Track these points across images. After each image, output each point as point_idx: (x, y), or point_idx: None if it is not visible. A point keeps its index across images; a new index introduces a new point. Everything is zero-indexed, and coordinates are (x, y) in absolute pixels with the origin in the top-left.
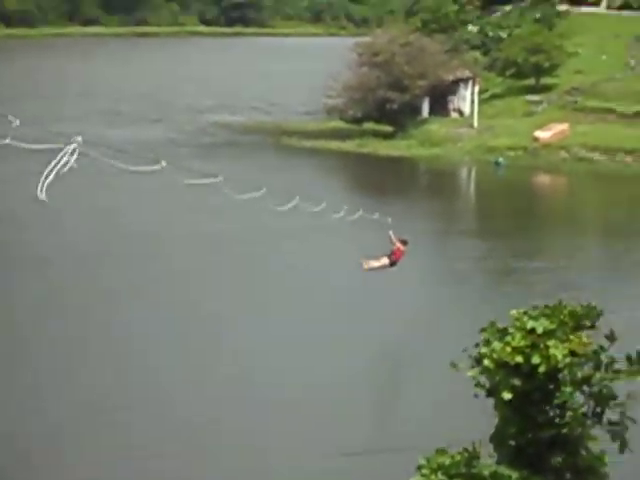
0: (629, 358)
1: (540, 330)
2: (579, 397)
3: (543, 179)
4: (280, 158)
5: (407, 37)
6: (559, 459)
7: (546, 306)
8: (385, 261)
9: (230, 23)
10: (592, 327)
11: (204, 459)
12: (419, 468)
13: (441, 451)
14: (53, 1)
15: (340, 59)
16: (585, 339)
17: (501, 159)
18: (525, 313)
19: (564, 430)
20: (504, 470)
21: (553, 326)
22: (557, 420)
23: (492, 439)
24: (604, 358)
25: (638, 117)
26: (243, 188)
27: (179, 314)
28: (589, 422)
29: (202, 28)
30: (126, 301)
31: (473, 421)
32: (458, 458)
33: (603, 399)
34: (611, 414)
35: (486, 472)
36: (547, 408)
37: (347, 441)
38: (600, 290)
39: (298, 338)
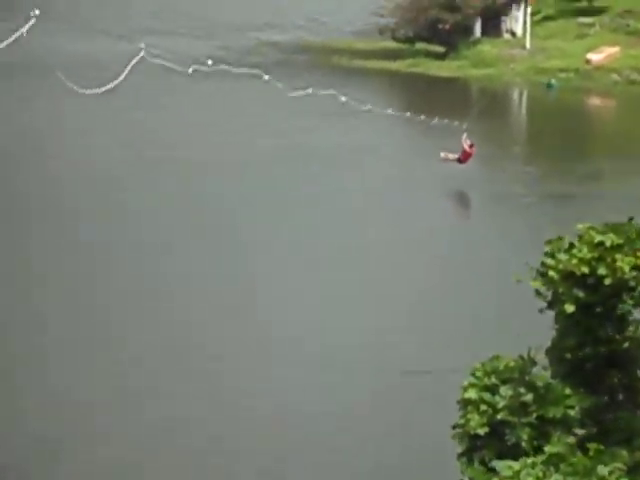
0: None
1: (608, 243)
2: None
3: (595, 101)
4: (331, 77)
5: None
6: (614, 378)
7: (613, 223)
8: (455, 156)
9: None
10: None
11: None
12: (474, 371)
13: (496, 357)
14: None
15: None
16: None
17: (553, 81)
18: (592, 228)
19: (622, 346)
20: (558, 384)
21: (620, 241)
22: (617, 336)
23: (548, 352)
24: None
25: None
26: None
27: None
28: None
29: None
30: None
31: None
32: (512, 364)
33: None
34: None
35: (540, 383)
36: (608, 323)
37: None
38: None
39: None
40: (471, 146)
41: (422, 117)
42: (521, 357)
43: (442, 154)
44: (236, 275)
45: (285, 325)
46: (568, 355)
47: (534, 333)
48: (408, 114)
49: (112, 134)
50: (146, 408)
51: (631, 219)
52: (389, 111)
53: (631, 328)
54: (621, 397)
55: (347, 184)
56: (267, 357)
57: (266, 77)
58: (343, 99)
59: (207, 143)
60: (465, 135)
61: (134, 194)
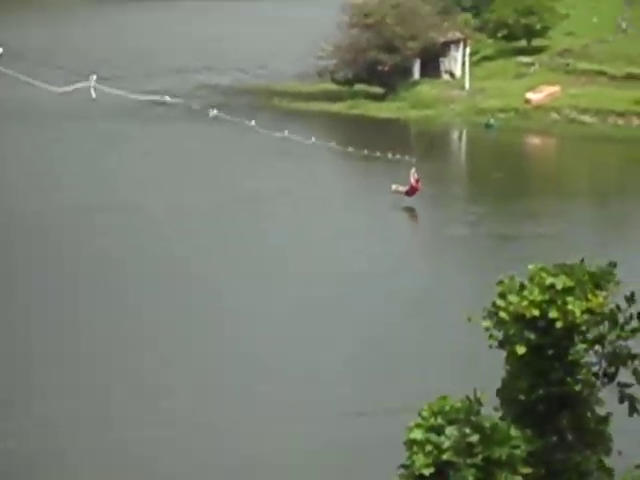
0: None
1: (559, 286)
2: (592, 356)
3: (535, 141)
4: (272, 119)
5: None
6: (565, 419)
7: (564, 264)
8: (404, 189)
9: None
10: (608, 287)
11: None
12: (420, 411)
13: (443, 397)
14: None
15: (331, 20)
16: (602, 299)
17: (492, 120)
18: (543, 269)
19: (574, 389)
20: (505, 425)
21: (572, 283)
22: (568, 379)
23: (499, 392)
24: (620, 318)
25: (629, 79)
26: None
27: None
28: (598, 383)
29: None
30: None
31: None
32: (459, 405)
33: (617, 359)
34: (622, 376)
35: (486, 423)
36: (559, 365)
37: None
38: (602, 252)
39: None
40: (417, 181)
41: (365, 152)
42: (467, 398)
43: (393, 186)
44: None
45: (235, 367)
46: (520, 396)
47: (482, 373)
48: (350, 149)
49: (55, 180)
50: None
51: (582, 261)
52: (332, 144)
53: (583, 370)
54: (571, 438)
55: (295, 221)
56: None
57: (214, 112)
58: (286, 133)
59: (156, 191)
60: (413, 169)
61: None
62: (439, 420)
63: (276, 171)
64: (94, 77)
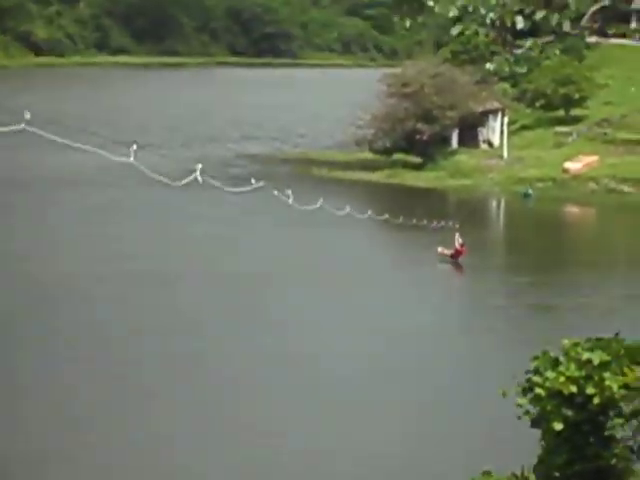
0: None
1: (596, 361)
2: (627, 430)
3: (572, 211)
4: (312, 187)
5: (436, 68)
6: None
7: (599, 338)
8: (450, 252)
9: (260, 54)
10: None
11: None
12: None
13: (487, 473)
14: (83, 30)
15: (369, 91)
16: (639, 373)
17: (530, 190)
18: (577, 344)
19: (610, 462)
20: None
21: (608, 358)
22: (604, 453)
23: (535, 468)
24: None
25: None
26: None
27: None
28: (634, 457)
29: (231, 59)
30: None
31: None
32: None
33: None
34: None
35: None
36: (595, 440)
37: None
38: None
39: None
40: (462, 245)
41: (400, 220)
42: (514, 475)
43: (439, 249)
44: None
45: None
46: (556, 473)
47: (520, 449)
48: (386, 216)
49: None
50: None
51: (617, 334)
52: (369, 213)
53: (619, 445)
54: None
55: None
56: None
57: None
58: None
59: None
60: (457, 234)
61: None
62: None
63: (311, 242)
64: (134, 146)
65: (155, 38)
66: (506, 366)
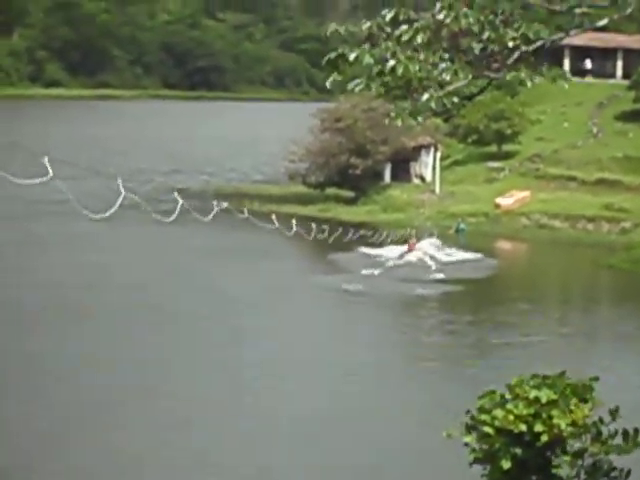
0: (626, 433)
1: (544, 399)
2: (571, 470)
3: (504, 246)
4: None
5: (369, 103)
6: None
7: (545, 376)
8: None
9: (193, 87)
10: (591, 400)
11: None
12: None
13: None
14: (17, 62)
15: (302, 125)
16: (587, 411)
17: (462, 225)
18: (522, 382)
19: None
20: None
21: (555, 396)
22: None
23: None
24: (605, 431)
25: (599, 184)
26: None
27: None
28: None
29: (164, 91)
30: None
31: None
32: None
33: (597, 472)
34: None
35: None
36: (543, 477)
37: None
38: (580, 362)
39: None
40: (414, 244)
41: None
42: None
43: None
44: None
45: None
46: None
47: None
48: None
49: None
50: None
51: (562, 373)
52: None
53: None
54: None
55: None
56: None
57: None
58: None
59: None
60: (413, 236)
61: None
62: None
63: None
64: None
65: (89, 71)
66: (445, 407)
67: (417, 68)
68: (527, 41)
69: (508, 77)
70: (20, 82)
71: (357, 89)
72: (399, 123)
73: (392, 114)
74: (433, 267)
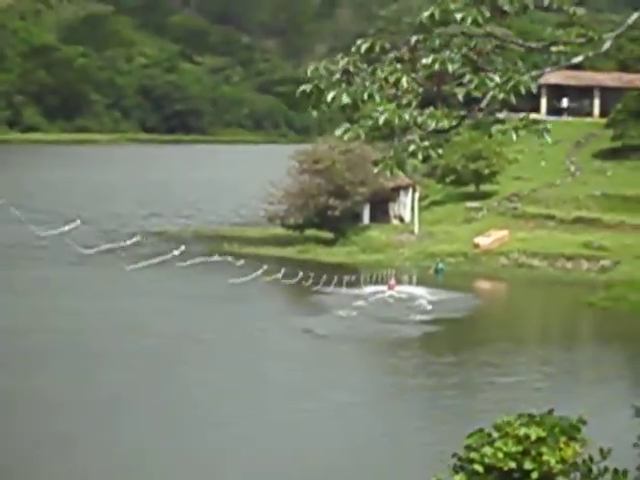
0: (615, 472)
1: (533, 437)
2: None
3: (483, 286)
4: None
5: (347, 145)
6: None
7: (532, 415)
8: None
9: (171, 130)
10: (581, 439)
11: None
12: None
13: None
14: None
15: (280, 167)
16: (577, 448)
17: (441, 265)
18: (509, 421)
19: None
20: None
21: (544, 434)
22: None
23: None
24: (595, 469)
25: (578, 223)
26: None
27: None
28: None
29: (142, 135)
30: None
31: None
32: None
33: None
34: None
35: None
36: None
37: None
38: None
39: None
40: (394, 284)
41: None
42: None
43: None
44: None
45: None
46: None
47: None
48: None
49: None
50: None
51: (550, 411)
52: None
53: None
54: None
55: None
56: None
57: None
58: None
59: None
60: (393, 276)
61: None
62: None
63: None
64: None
65: (67, 115)
66: (432, 447)
67: (407, 117)
68: (512, 87)
69: (493, 130)
70: None
71: (346, 137)
72: (388, 174)
73: (380, 165)
74: (420, 302)
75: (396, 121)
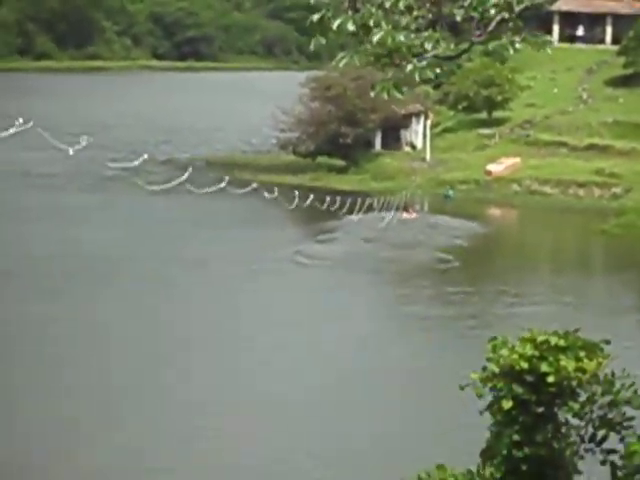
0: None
1: (552, 343)
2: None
3: (495, 212)
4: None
5: (359, 71)
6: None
7: (556, 331)
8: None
9: (182, 57)
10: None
11: None
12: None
13: (441, 467)
14: (6, 35)
15: (292, 93)
16: (600, 362)
17: (451, 191)
18: (534, 331)
19: (561, 450)
20: None
21: (565, 344)
22: (554, 441)
23: (482, 454)
24: (617, 384)
25: (590, 150)
26: None
27: None
28: (582, 448)
29: (154, 62)
30: None
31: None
32: (460, 478)
33: (606, 424)
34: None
35: None
36: (547, 425)
37: None
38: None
39: None
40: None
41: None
42: (469, 471)
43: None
44: None
45: None
46: (504, 452)
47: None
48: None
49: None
50: None
51: (577, 330)
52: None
53: (571, 432)
54: None
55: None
56: None
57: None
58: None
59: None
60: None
61: None
62: None
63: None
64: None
65: (78, 42)
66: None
67: (402, 38)
68: (510, 8)
69: (490, 46)
70: (9, 55)
71: (341, 64)
72: (385, 96)
73: (377, 88)
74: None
75: (389, 42)
